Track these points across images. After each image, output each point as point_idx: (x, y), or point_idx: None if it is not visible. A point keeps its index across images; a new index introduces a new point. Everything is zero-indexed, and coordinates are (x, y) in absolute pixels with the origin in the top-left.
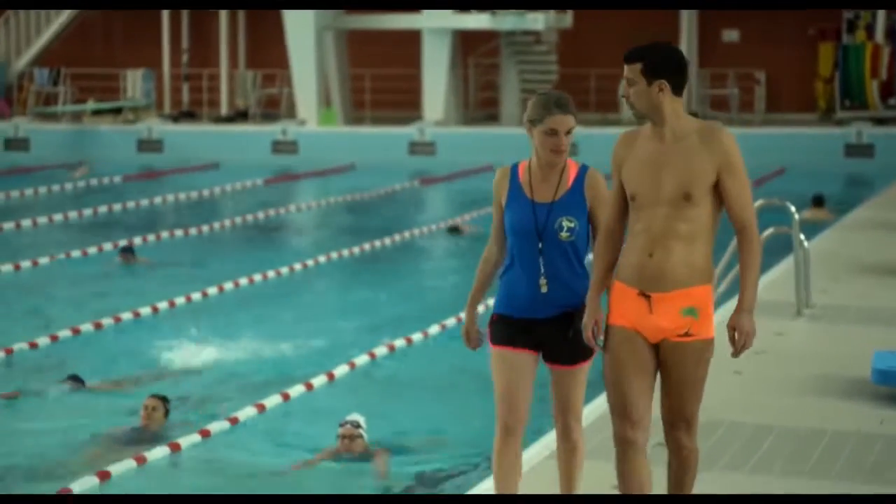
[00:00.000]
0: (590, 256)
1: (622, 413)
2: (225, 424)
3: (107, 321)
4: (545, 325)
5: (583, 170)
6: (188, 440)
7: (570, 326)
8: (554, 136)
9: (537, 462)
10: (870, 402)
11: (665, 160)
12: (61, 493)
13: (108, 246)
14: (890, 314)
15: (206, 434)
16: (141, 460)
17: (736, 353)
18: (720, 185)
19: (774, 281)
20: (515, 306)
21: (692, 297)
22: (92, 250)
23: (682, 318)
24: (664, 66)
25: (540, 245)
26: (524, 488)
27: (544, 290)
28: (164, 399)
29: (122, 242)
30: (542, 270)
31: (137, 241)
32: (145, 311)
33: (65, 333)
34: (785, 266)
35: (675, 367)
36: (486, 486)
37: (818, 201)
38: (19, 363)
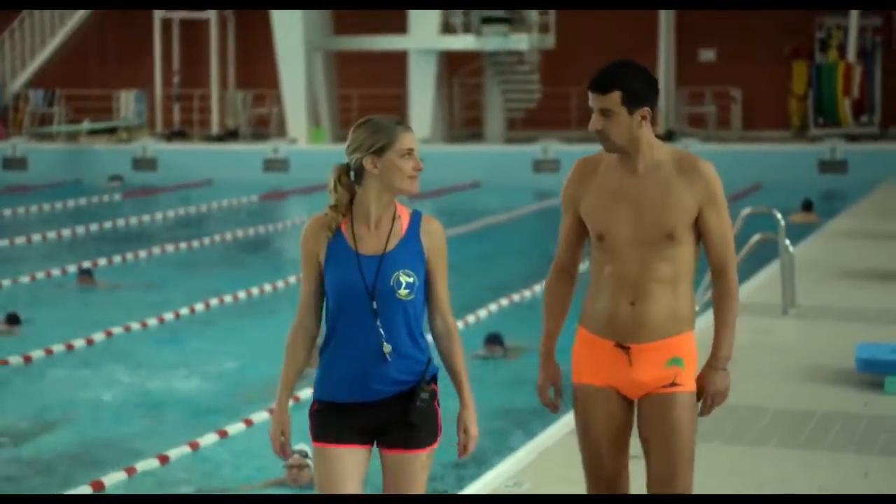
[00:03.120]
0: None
1: (611, 488)
2: (186, 449)
3: (78, 342)
4: (380, 408)
5: (416, 216)
6: (146, 465)
7: (408, 407)
8: (412, 157)
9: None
10: (854, 387)
11: (639, 196)
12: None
13: (102, 262)
14: (870, 313)
15: (164, 460)
16: (98, 486)
17: (704, 412)
18: (701, 220)
19: (762, 283)
20: (340, 389)
21: (677, 346)
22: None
23: (667, 369)
24: (645, 92)
25: (374, 306)
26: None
27: (390, 358)
28: None
29: (86, 265)
30: (384, 335)
31: (130, 256)
32: (135, 326)
33: (60, 348)
34: (771, 270)
35: (664, 423)
36: None
37: (807, 206)
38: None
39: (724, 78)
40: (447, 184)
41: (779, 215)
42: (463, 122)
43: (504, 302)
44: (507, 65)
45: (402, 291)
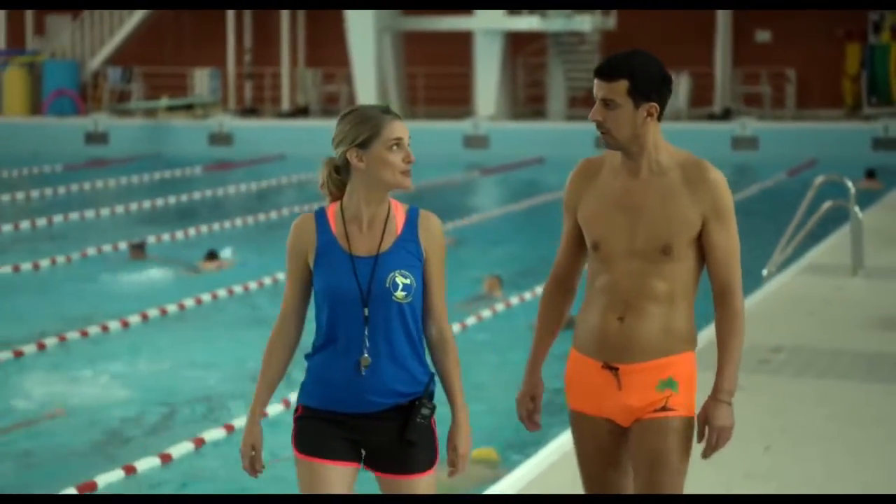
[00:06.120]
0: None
1: None
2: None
3: (151, 312)
4: (372, 421)
5: (413, 211)
6: (212, 434)
7: (407, 423)
8: (402, 148)
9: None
10: None
11: (638, 202)
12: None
13: (192, 232)
14: None
15: (230, 428)
16: (130, 470)
17: (708, 452)
18: (705, 235)
19: (831, 246)
20: (329, 396)
21: (671, 367)
22: (175, 236)
23: (659, 393)
24: (655, 85)
25: (366, 312)
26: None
27: (363, 371)
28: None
29: (133, 241)
30: (367, 345)
31: (204, 229)
32: (206, 297)
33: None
34: (839, 234)
35: (650, 452)
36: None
37: (870, 174)
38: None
39: (779, 59)
40: (512, 160)
41: (849, 183)
42: (526, 100)
43: None
44: (569, 45)
45: (399, 294)
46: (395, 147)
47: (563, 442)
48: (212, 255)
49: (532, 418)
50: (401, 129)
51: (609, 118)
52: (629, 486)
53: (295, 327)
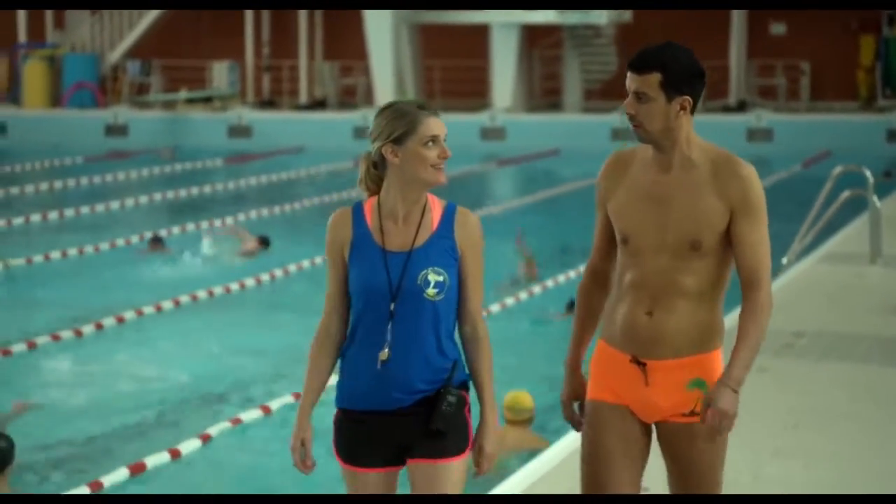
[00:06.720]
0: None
1: None
2: (286, 399)
3: (183, 298)
4: (398, 418)
5: (450, 208)
6: (250, 415)
7: (434, 409)
8: (437, 145)
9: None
10: None
11: (668, 197)
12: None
13: (217, 223)
14: None
15: (267, 411)
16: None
17: (708, 436)
18: (733, 228)
19: (850, 235)
20: (359, 395)
21: (700, 366)
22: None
23: (688, 393)
24: (688, 78)
25: (392, 307)
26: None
27: (379, 366)
28: None
29: (155, 233)
30: (388, 339)
31: (229, 220)
32: (218, 290)
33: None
34: (858, 223)
35: (683, 459)
36: None
37: (888, 174)
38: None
39: (793, 51)
40: (528, 151)
41: (868, 173)
42: (542, 93)
43: (582, 269)
44: (584, 38)
45: (431, 291)
46: (430, 143)
47: (566, 443)
48: (263, 241)
49: (580, 419)
50: (437, 125)
51: (641, 111)
52: (637, 483)
53: (337, 325)
